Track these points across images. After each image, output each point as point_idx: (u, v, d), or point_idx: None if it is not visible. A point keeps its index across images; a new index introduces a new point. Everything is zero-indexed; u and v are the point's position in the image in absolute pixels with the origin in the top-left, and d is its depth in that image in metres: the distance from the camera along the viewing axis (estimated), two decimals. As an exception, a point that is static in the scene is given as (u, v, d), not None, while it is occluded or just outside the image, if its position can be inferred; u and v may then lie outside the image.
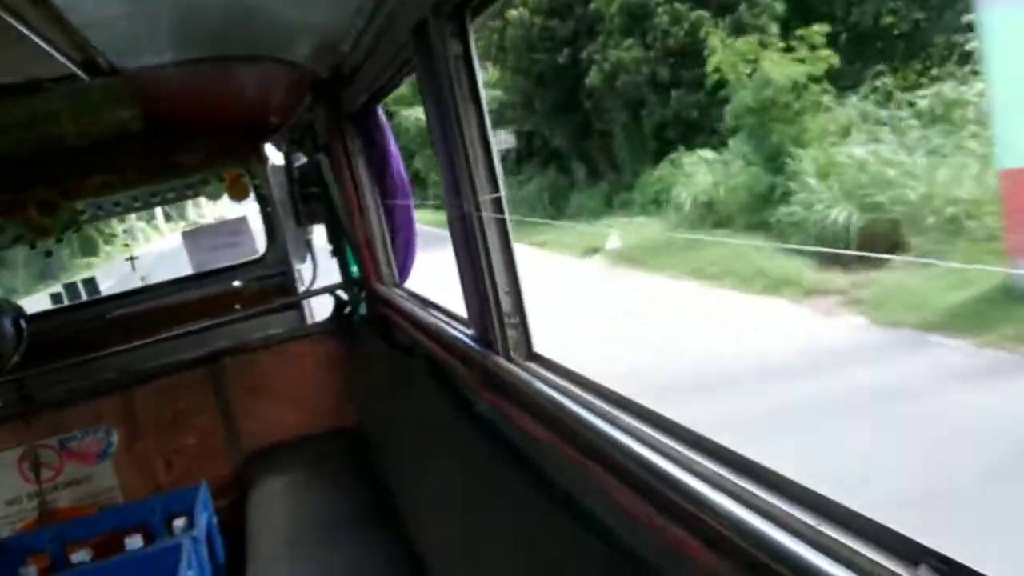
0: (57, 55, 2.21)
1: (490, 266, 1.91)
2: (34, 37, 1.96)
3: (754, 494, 1.15)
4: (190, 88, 3.33)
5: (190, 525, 3.04)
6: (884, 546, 0.97)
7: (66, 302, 4.63)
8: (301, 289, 4.40)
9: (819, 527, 1.04)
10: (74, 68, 2.38)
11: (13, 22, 1.79)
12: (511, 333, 1.95)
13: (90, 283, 4.64)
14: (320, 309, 4.46)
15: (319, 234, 4.25)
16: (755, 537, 1.07)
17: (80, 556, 2.96)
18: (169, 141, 3.99)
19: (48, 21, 1.94)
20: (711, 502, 1.16)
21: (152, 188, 4.17)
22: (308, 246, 4.24)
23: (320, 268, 4.26)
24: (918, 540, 0.95)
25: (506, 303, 1.94)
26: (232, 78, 3.22)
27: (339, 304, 3.95)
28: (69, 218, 3.92)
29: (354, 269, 3.78)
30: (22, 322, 3.90)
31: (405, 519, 2.81)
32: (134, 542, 2.95)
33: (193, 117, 3.87)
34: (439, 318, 2.56)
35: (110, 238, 33.53)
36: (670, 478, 1.26)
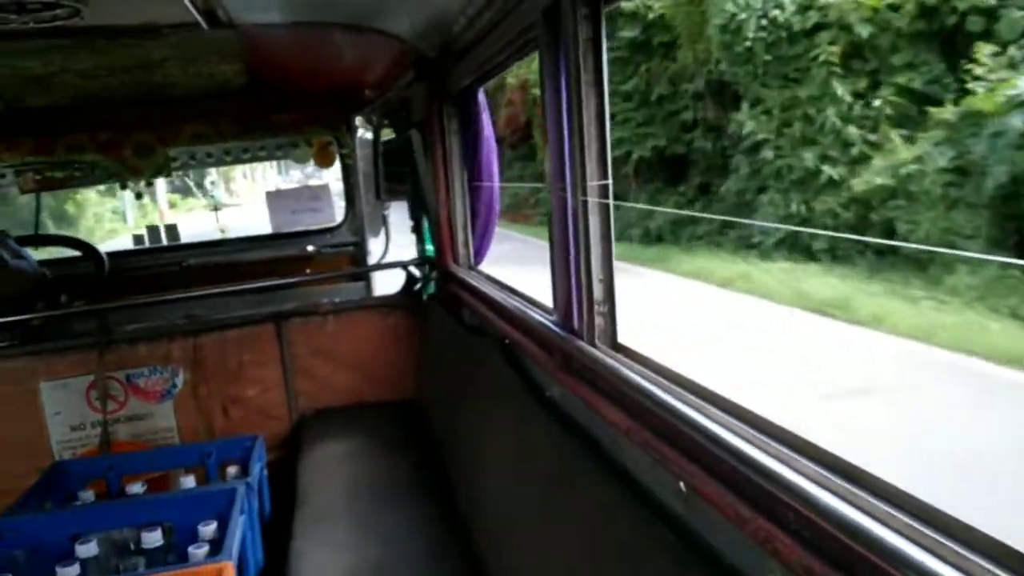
0: (185, 0, 2.28)
1: (587, 252, 1.91)
2: None
3: (852, 491, 1.13)
4: (293, 50, 3.40)
5: (244, 473, 3.10)
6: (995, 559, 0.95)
7: (147, 244, 4.78)
8: (371, 263, 4.48)
9: (910, 522, 1.02)
10: (196, 16, 2.44)
11: None
12: (599, 321, 1.94)
13: (172, 229, 4.78)
14: (382, 286, 4.53)
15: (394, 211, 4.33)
16: (851, 531, 1.05)
17: (135, 488, 3.03)
18: (266, 100, 4.10)
19: None
20: (805, 494, 1.14)
21: (244, 144, 4.28)
22: (384, 221, 4.32)
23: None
24: None
25: (598, 291, 1.93)
26: (334, 45, 3.27)
27: (410, 280, 4.00)
28: (162, 163, 4.05)
29: (429, 248, 3.83)
30: (103, 256, 4.05)
31: (457, 489, 2.83)
32: (188, 481, 3.01)
33: (292, 79, 3.96)
34: (518, 302, 2.57)
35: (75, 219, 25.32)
36: (763, 469, 1.24)
